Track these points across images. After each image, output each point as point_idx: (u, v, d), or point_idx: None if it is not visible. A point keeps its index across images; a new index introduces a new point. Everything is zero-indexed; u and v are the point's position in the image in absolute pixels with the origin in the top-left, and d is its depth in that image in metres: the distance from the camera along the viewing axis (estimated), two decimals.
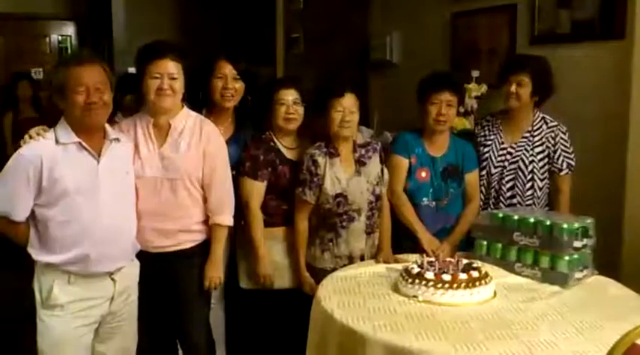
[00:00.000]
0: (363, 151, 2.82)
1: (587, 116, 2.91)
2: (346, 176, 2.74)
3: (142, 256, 2.52)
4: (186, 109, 2.62)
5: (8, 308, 2.39)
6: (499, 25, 4.00)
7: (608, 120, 3.10)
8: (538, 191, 2.92)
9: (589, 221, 2.49)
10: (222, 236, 2.65)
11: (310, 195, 2.73)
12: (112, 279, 2.37)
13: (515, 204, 2.90)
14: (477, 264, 2.36)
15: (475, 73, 3.92)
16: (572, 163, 2.92)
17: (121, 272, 2.39)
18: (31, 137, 2.29)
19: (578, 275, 2.40)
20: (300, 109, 2.82)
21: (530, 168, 2.91)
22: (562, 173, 2.93)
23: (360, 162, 2.79)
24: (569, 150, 2.92)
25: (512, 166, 2.93)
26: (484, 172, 2.98)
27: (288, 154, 2.86)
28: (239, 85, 2.86)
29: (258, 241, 2.78)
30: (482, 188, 2.98)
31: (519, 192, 2.92)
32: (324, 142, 2.77)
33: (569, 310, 2.15)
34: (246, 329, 2.97)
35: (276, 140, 2.86)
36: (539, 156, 2.91)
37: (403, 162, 2.91)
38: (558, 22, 3.57)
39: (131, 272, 2.47)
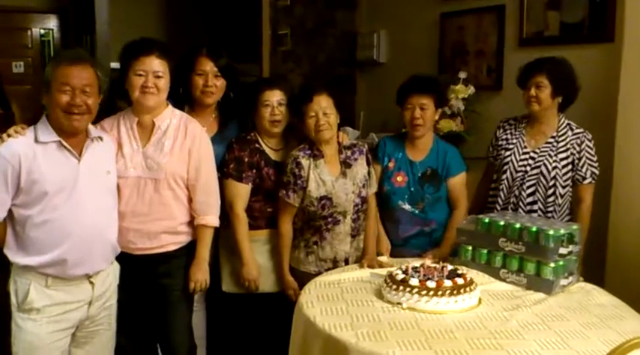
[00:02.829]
0: (349, 153, 2.78)
1: (575, 119, 2.89)
2: (331, 178, 2.71)
3: (124, 258, 2.47)
4: (171, 108, 2.57)
5: None
6: (487, 26, 3.99)
7: (596, 122, 3.08)
8: (560, 198, 2.84)
9: (575, 227, 2.47)
10: (208, 237, 2.60)
11: (294, 198, 2.69)
12: (91, 283, 2.32)
13: (535, 211, 2.83)
14: (462, 270, 2.34)
15: (462, 75, 3.91)
16: (597, 172, 2.84)
17: (99, 275, 2.34)
18: (9, 135, 2.23)
19: (563, 282, 2.39)
20: (285, 110, 2.78)
21: (552, 174, 2.83)
22: (585, 182, 2.84)
23: (345, 164, 2.76)
24: (594, 159, 2.83)
25: (534, 172, 2.85)
26: (504, 177, 2.91)
27: (274, 156, 2.83)
28: (220, 82, 2.82)
29: (243, 245, 2.74)
30: (502, 193, 2.92)
31: (540, 199, 2.84)
32: (308, 144, 2.74)
33: (554, 318, 2.13)
34: (228, 332, 2.93)
35: (261, 141, 2.82)
36: (562, 163, 2.83)
37: (376, 169, 2.91)
38: (547, 24, 3.57)
39: (110, 275, 2.42)
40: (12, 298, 2.26)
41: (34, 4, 6.48)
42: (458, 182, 2.94)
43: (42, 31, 6.75)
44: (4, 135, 2.23)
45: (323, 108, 2.67)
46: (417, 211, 2.89)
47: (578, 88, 2.86)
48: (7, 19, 6.46)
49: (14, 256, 2.24)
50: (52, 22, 6.74)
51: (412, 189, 2.89)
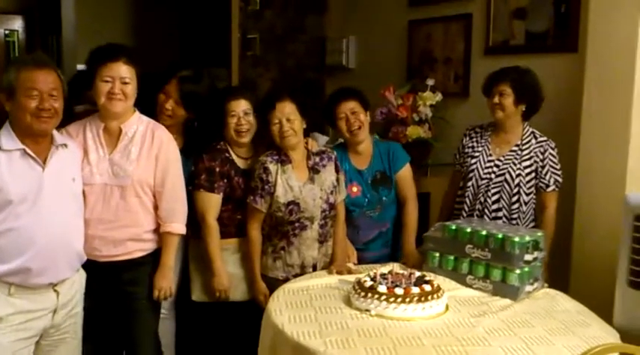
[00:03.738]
0: (317, 159, 2.79)
1: (539, 127, 2.94)
2: (299, 183, 2.71)
3: (90, 265, 2.44)
4: (138, 114, 2.55)
5: None
6: (455, 34, 4.04)
7: (560, 131, 3.15)
8: (524, 205, 2.88)
9: (539, 234, 2.51)
10: (174, 245, 2.58)
11: (261, 203, 2.69)
12: (55, 291, 2.28)
13: (500, 218, 2.88)
14: (430, 276, 2.36)
15: (430, 81, 3.95)
16: (560, 180, 2.89)
17: (64, 283, 2.31)
18: None
19: (528, 288, 2.42)
20: (252, 119, 2.78)
21: (516, 181, 2.87)
22: (548, 189, 2.89)
23: (313, 170, 2.76)
24: (557, 167, 2.89)
25: (499, 179, 2.90)
26: (470, 184, 2.95)
27: (243, 165, 2.82)
28: (179, 109, 2.82)
29: (214, 255, 2.73)
30: (468, 200, 2.96)
31: (505, 206, 2.89)
32: (276, 149, 2.74)
33: (519, 324, 2.16)
34: (197, 341, 2.91)
35: (230, 150, 2.81)
36: (526, 171, 2.88)
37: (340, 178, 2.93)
38: (513, 34, 3.63)
39: (76, 283, 2.39)
40: None
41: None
42: (404, 174, 3.00)
43: (6, 32, 6.62)
44: None
45: (286, 115, 2.68)
46: (375, 215, 2.95)
47: (542, 98, 2.93)
48: None
49: None
50: (16, 23, 6.61)
51: (368, 195, 2.94)
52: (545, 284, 2.55)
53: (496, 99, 2.86)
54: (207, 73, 3.08)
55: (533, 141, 2.91)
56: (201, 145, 2.84)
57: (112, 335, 2.67)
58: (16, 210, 2.16)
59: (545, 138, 2.91)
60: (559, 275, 2.92)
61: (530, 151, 2.89)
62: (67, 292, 2.32)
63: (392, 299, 2.17)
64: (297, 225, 2.71)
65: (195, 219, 2.72)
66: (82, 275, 2.42)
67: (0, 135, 2.20)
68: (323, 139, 3.23)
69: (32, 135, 2.20)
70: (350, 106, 2.90)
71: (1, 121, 2.28)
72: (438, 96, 3.90)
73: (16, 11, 6.50)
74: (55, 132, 2.31)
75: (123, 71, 2.41)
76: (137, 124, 2.52)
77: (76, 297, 2.38)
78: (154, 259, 2.56)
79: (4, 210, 2.15)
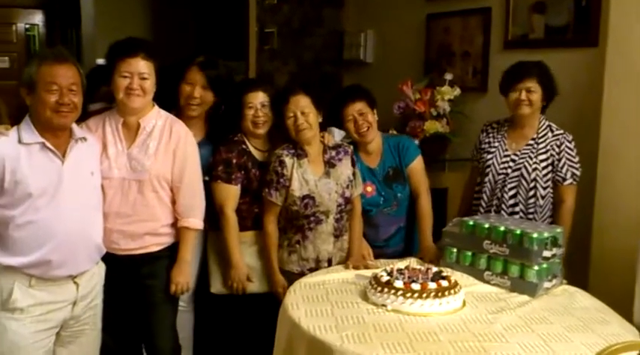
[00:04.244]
0: (333, 153, 2.79)
1: (559, 122, 2.91)
2: (314, 177, 2.72)
3: (109, 258, 2.47)
4: (156, 109, 2.56)
5: None
6: (473, 28, 4.01)
7: (580, 126, 3.11)
8: (540, 200, 2.86)
9: (559, 230, 2.50)
10: (191, 239, 2.60)
11: (276, 196, 2.70)
12: (75, 283, 2.31)
13: (517, 213, 2.86)
14: (447, 272, 2.35)
15: (448, 76, 3.93)
16: (577, 173, 2.86)
17: (84, 275, 2.34)
18: None
19: (547, 284, 2.41)
20: (269, 112, 2.78)
21: (533, 176, 2.85)
22: (566, 183, 2.86)
23: (329, 164, 2.76)
24: (575, 160, 2.85)
25: (515, 174, 2.88)
26: (487, 179, 2.94)
27: (260, 157, 2.82)
28: (207, 94, 2.80)
29: (232, 247, 2.74)
30: (485, 195, 2.95)
31: (522, 200, 2.87)
32: (292, 143, 2.74)
33: (537, 321, 2.15)
34: (215, 333, 2.93)
35: (247, 142, 2.82)
36: (542, 164, 2.85)
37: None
38: (532, 28, 3.59)
39: (95, 275, 2.41)
40: None
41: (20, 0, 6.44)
42: (416, 167, 2.97)
43: (27, 26, 6.71)
44: None
45: (301, 108, 2.68)
46: (392, 211, 2.95)
47: (557, 91, 2.90)
48: None
49: None
50: (37, 17, 6.71)
51: (383, 193, 2.93)
52: (564, 281, 2.53)
53: (523, 96, 2.82)
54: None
55: (550, 134, 2.88)
56: (227, 129, 2.84)
57: (131, 328, 2.69)
58: (36, 203, 2.18)
59: (561, 132, 2.88)
60: (578, 271, 2.89)
61: (547, 145, 2.87)
62: (86, 284, 2.35)
63: (408, 295, 2.16)
64: (312, 219, 2.71)
65: (213, 211, 2.73)
66: (101, 268, 2.45)
67: (20, 129, 2.23)
68: (340, 134, 3.22)
69: (52, 129, 2.23)
70: (357, 108, 2.86)
71: (21, 115, 2.31)
72: (457, 91, 3.88)
73: (37, 5, 6.60)
74: (74, 125, 2.32)
75: (141, 66, 2.42)
76: (156, 119, 2.53)
77: (95, 289, 2.41)
78: (171, 253, 2.58)
79: (23, 203, 2.18)
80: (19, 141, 2.20)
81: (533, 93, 2.82)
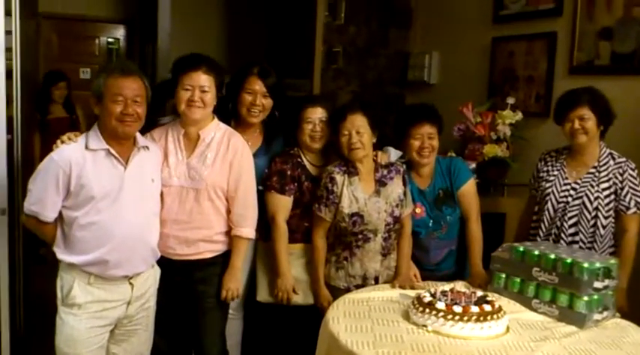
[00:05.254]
0: (385, 172, 2.81)
1: (622, 149, 2.83)
2: (364, 196, 2.74)
3: (164, 263, 2.57)
4: (216, 121, 2.66)
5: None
6: (538, 53, 3.96)
7: None
8: (601, 229, 2.79)
9: (612, 261, 2.42)
10: (243, 248, 2.67)
11: (326, 212, 2.74)
12: (130, 283, 2.42)
13: (577, 242, 2.80)
14: (492, 297, 2.32)
15: (511, 100, 3.88)
16: None
17: (139, 277, 2.44)
18: (62, 142, 2.37)
19: (597, 316, 2.34)
20: (327, 128, 2.83)
21: (595, 204, 2.78)
22: (629, 212, 2.79)
23: (380, 183, 2.78)
24: (638, 188, 2.78)
25: (576, 202, 2.82)
26: (546, 207, 2.89)
27: (314, 171, 2.88)
28: (267, 101, 2.88)
29: (281, 256, 2.79)
30: (543, 225, 2.90)
31: (582, 230, 2.81)
32: (344, 160, 2.78)
33: (581, 352, 2.09)
34: (262, 341, 2.98)
35: (302, 156, 2.88)
36: (604, 193, 2.79)
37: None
38: (598, 54, 3.52)
39: (150, 278, 2.51)
40: (58, 293, 2.39)
41: (104, 14, 6.79)
42: (468, 189, 2.92)
43: (109, 40, 7.05)
44: (58, 142, 2.37)
45: (357, 127, 2.70)
46: (442, 234, 2.91)
47: (615, 115, 2.82)
48: (78, 27, 6.80)
49: (61, 254, 2.37)
50: (119, 32, 7.04)
51: (432, 215, 2.90)
52: (618, 314, 2.45)
53: (577, 125, 2.77)
54: None
55: (612, 162, 2.81)
56: (284, 135, 2.93)
57: (182, 331, 2.77)
58: (98, 205, 2.31)
59: (624, 159, 2.81)
60: (636, 306, 2.79)
61: (609, 173, 2.80)
62: (141, 286, 2.45)
63: (450, 317, 2.15)
64: (360, 236, 2.73)
65: (265, 222, 2.80)
66: (156, 271, 2.55)
67: (88, 136, 2.37)
68: (396, 154, 3.23)
69: (116, 137, 2.36)
70: (428, 131, 2.84)
71: (91, 123, 2.47)
72: (518, 116, 3.83)
73: (119, 20, 6.93)
74: (138, 134, 2.45)
75: (202, 80, 2.53)
76: (215, 131, 2.63)
77: (149, 291, 2.51)
78: (224, 260, 2.66)
79: (87, 204, 2.31)
80: (86, 147, 2.34)
81: (587, 120, 2.76)
